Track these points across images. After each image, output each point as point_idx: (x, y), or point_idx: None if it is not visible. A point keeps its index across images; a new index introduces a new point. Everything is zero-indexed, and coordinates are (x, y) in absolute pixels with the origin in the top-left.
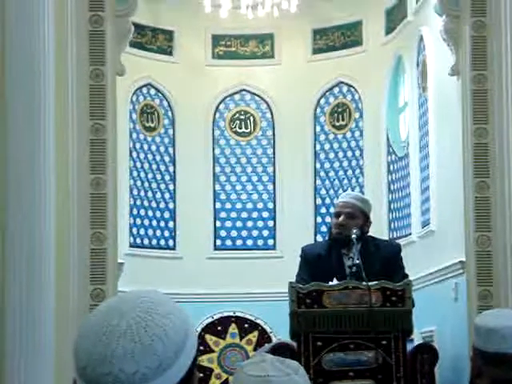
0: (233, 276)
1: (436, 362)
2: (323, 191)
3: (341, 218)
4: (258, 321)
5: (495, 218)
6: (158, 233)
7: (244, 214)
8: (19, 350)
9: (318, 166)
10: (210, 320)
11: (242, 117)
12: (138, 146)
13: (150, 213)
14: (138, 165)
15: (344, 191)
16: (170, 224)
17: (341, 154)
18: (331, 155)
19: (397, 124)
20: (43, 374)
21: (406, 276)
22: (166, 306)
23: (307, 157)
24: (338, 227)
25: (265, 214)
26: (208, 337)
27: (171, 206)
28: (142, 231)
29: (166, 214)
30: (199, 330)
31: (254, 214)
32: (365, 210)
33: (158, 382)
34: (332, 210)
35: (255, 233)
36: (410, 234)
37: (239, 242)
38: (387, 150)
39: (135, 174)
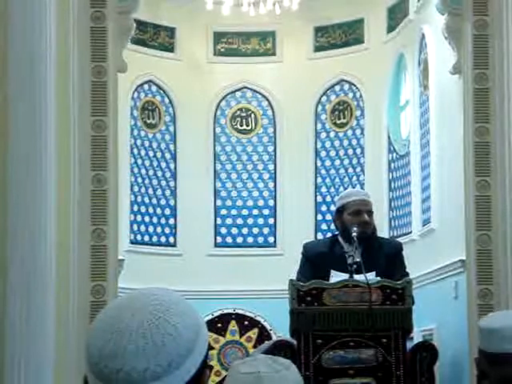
0: (233, 273)
1: (436, 361)
2: (324, 189)
3: (366, 217)
4: (258, 318)
5: (496, 217)
6: (159, 230)
7: (244, 212)
8: (20, 347)
9: (318, 163)
10: (210, 317)
11: (244, 114)
12: (139, 142)
13: (151, 209)
14: (139, 161)
15: (345, 189)
16: (171, 221)
17: (342, 152)
18: (332, 153)
19: (398, 122)
20: (43, 371)
21: (407, 275)
22: (178, 305)
23: (308, 154)
24: (363, 225)
25: (265, 212)
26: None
27: (172, 202)
28: (142, 228)
29: (167, 211)
30: None
31: (255, 212)
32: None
33: (168, 380)
34: (333, 207)
35: (256, 230)
36: (411, 232)
37: (240, 240)
38: (388, 148)
39: (136, 170)
